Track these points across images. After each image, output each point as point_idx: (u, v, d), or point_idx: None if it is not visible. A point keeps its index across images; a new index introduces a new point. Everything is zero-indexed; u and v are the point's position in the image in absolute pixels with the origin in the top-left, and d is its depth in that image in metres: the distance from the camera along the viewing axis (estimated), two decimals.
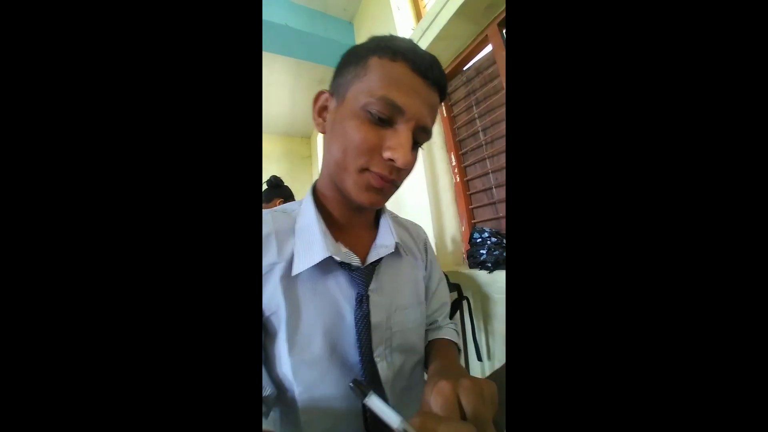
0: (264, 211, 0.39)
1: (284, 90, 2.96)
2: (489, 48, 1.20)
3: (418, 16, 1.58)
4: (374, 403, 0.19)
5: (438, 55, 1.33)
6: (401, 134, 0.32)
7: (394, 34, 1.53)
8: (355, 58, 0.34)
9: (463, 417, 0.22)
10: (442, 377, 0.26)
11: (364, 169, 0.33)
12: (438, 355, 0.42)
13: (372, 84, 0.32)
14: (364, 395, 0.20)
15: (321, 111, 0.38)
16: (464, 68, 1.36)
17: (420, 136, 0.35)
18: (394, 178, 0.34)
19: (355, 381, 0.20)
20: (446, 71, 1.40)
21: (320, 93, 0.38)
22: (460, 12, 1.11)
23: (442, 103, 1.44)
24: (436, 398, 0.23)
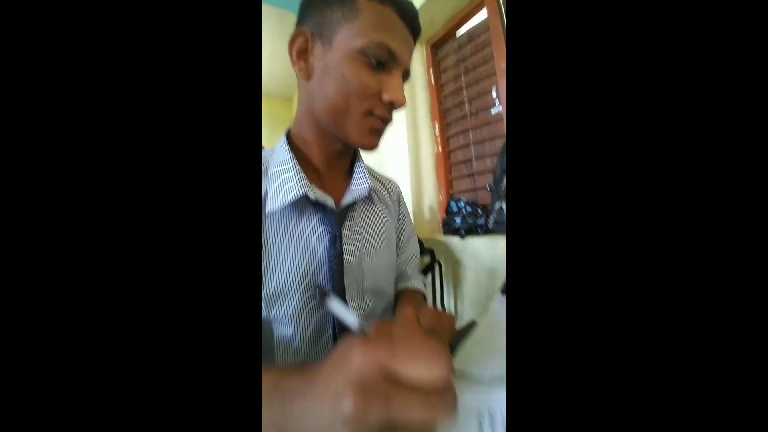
0: None
1: (263, 43, 2.73)
2: (484, 13, 1.16)
3: None
4: (335, 305, 0.20)
5: (432, 15, 1.27)
6: (396, 78, 0.34)
7: None
8: None
9: None
10: (406, 305, 0.27)
11: (368, 113, 0.34)
12: (406, 302, 0.45)
13: (366, 27, 0.32)
14: (325, 298, 0.20)
15: (300, 53, 0.35)
16: (457, 33, 1.31)
17: (404, 79, 0.36)
18: (390, 119, 0.36)
19: (317, 285, 0.20)
20: (439, 35, 1.35)
21: (298, 33, 0.35)
22: None
23: (430, 70, 1.40)
24: (398, 318, 0.24)
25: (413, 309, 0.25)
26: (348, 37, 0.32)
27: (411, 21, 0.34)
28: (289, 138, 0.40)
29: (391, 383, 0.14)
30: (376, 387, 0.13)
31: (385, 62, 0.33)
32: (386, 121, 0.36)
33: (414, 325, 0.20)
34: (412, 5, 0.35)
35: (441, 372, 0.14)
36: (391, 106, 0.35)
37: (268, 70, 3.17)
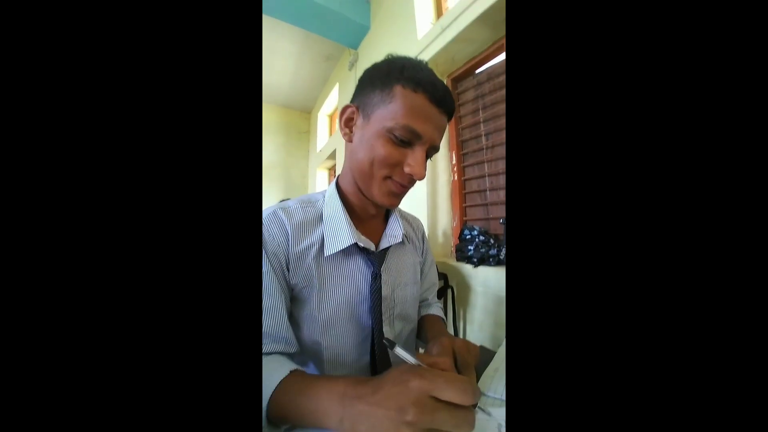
0: (291, 200, 0.47)
1: (288, 60, 2.87)
2: (503, 56, 1.25)
3: (439, 10, 1.59)
4: (399, 350, 0.28)
5: (453, 55, 1.37)
6: (418, 154, 0.40)
7: (412, 25, 1.54)
8: (380, 82, 0.41)
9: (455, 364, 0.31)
10: (443, 337, 0.36)
11: (386, 178, 0.42)
12: (434, 328, 0.54)
13: (397, 112, 0.39)
14: (393, 346, 0.29)
15: (347, 122, 0.44)
16: (477, 71, 1.40)
17: (431, 152, 0.43)
18: (409, 185, 0.43)
19: (387, 339, 0.29)
20: (459, 72, 1.44)
21: (347, 107, 0.45)
22: (481, 18, 1.15)
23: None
24: (438, 346, 0.33)
25: (449, 340, 0.33)
26: (382, 116, 0.39)
27: (441, 103, 0.40)
28: (338, 187, 0.49)
29: (435, 402, 0.22)
30: (426, 404, 0.22)
31: (409, 140, 0.39)
32: (404, 185, 0.42)
33: (449, 359, 0.29)
34: (442, 88, 0.41)
35: (466, 399, 0.22)
36: (410, 176, 0.41)
37: (291, 85, 3.32)
